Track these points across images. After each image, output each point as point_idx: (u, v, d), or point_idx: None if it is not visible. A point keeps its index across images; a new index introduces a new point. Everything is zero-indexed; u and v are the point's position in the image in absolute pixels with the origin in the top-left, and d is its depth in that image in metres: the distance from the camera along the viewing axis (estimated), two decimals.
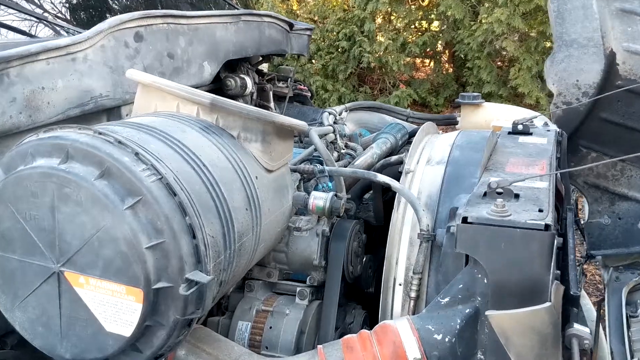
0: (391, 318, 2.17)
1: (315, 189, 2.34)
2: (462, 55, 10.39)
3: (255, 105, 3.91)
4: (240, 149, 1.90)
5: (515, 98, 9.74)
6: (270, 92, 3.99)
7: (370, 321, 2.46)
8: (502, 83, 9.72)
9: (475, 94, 3.41)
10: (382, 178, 2.20)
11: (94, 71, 2.17)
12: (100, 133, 1.56)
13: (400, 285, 2.17)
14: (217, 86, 3.42)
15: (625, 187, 3.73)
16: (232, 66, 3.43)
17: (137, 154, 1.53)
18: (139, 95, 2.04)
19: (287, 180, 2.13)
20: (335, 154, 2.78)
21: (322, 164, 2.46)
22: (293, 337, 2.12)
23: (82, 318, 1.54)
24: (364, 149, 3.08)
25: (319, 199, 2.15)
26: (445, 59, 11.23)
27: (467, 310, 1.87)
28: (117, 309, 1.51)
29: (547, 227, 1.74)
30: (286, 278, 2.36)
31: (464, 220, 1.84)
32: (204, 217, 1.58)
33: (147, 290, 1.48)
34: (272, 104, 4.02)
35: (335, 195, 2.19)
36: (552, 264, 1.78)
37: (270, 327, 2.15)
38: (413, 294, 2.09)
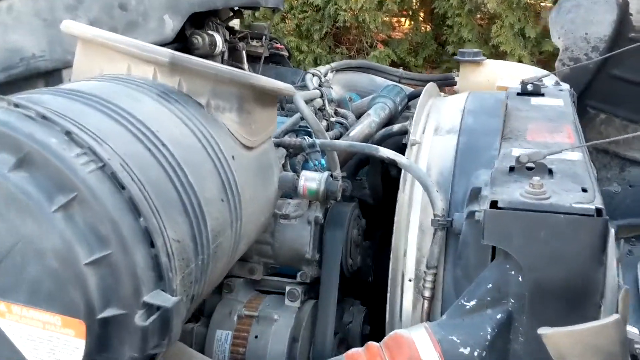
0: (400, 320, 1.81)
1: (305, 166, 1.94)
2: (441, 13, 9.95)
3: None
4: (211, 121, 1.49)
5: (497, 57, 9.40)
6: (244, 52, 3.55)
7: (370, 317, 2.10)
8: (484, 41, 9.34)
9: (476, 50, 3.02)
10: (385, 152, 1.81)
11: (22, 25, 1.73)
12: (16, 105, 1.13)
13: (410, 281, 1.80)
14: (181, 45, 2.97)
15: (637, 152, 3.40)
16: (198, 22, 2.97)
17: (68, 132, 1.11)
18: (79, 54, 1.60)
19: (271, 158, 1.72)
20: (324, 123, 2.37)
21: (310, 136, 2.06)
22: (284, 348, 1.75)
23: (4, 358, 1.14)
24: (357, 117, 2.68)
25: (311, 180, 1.75)
26: (423, 17, 10.78)
27: (499, 316, 1.52)
28: (52, 346, 1.11)
29: (599, 211, 1.40)
30: (272, 273, 1.97)
31: (493, 204, 1.48)
32: (165, 215, 1.18)
33: (91, 321, 1.08)
34: (245, 66, 3.58)
35: (330, 174, 1.80)
36: (607, 258, 1.43)
37: (256, 337, 1.77)
38: (427, 293, 1.72)
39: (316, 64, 9.55)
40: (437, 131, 2.03)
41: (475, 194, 1.68)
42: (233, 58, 3.54)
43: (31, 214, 1.05)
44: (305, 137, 1.92)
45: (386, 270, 2.38)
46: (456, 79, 3.10)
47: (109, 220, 1.07)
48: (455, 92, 2.96)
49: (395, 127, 2.10)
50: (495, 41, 8.92)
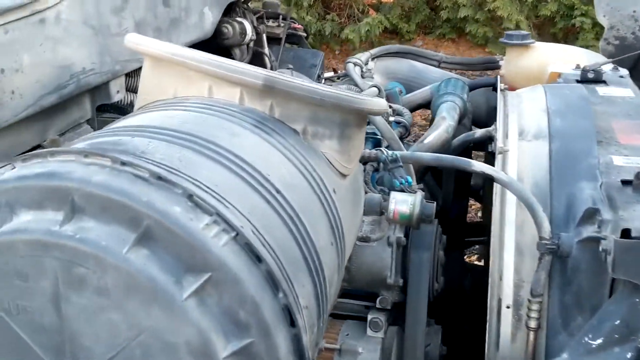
0: (497, 350, 1.66)
1: (387, 183, 1.75)
2: None
3: (251, 55, 3.24)
4: (311, 152, 1.30)
5: (493, 22, 9.20)
6: (264, 35, 3.32)
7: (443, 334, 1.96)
8: (479, 6, 9.13)
9: (524, 32, 2.83)
10: (480, 167, 1.64)
11: (72, 36, 1.50)
12: (123, 163, 0.93)
13: (508, 308, 1.65)
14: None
15: None
16: (226, 9, 2.72)
17: (190, 196, 0.91)
18: (148, 72, 1.39)
19: (360, 182, 1.54)
20: None
21: (378, 145, 1.88)
22: None
23: None
24: (410, 110, 2.50)
25: (402, 203, 1.57)
26: None
27: (628, 355, 1.38)
28: None
29: None
30: (343, 294, 1.81)
31: (626, 233, 1.32)
32: (295, 283, 1.00)
33: None
34: (267, 50, 3.35)
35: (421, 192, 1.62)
36: None
37: None
38: (533, 324, 1.57)
39: (306, 32, 9.25)
40: (522, 136, 1.86)
41: (590, 215, 1.52)
42: (254, 42, 3.30)
43: (157, 302, 0.86)
44: (382, 149, 1.73)
45: (453, 283, 2.24)
46: (500, 62, 2.91)
47: (249, 302, 0.89)
48: (499, 76, 2.78)
49: (478, 132, 1.92)
50: (491, 6, 8.70)
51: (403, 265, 1.72)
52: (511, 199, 1.68)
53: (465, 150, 2.03)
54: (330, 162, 1.34)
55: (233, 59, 2.87)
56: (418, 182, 2.04)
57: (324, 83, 3.19)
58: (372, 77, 2.74)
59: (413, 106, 2.49)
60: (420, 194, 1.60)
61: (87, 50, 1.54)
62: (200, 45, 2.78)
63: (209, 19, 2.17)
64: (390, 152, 1.73)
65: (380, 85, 2.20)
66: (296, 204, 1.11)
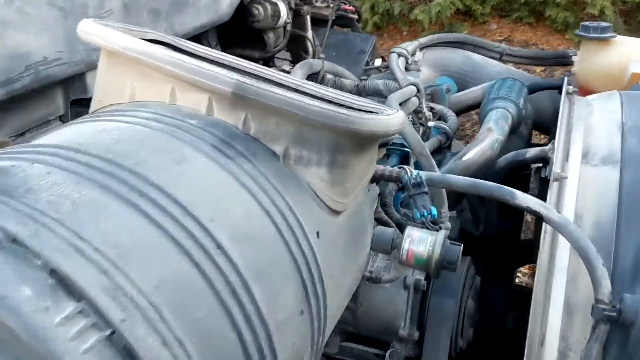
0: None
1: (407, 213, 1.43)
2: None
3: (288, 38, 2.93)
4: (290, 182, 1.00)
5: (575, 6, 8.50)
6: (307, 17, 3.00)
7: None
8: None
9: (604, 23, 2.39)
10: (526, 201, 1.28)
11: (29, 19, 1.24)
12: None
13: None
14: (237, 15, 2.45)
15: None
16: None
17: (53, 271, 0.63)
18: (104, 67, 1.12)
19: (365, 215, 1.23)
20: (420, 130, 1.84)
21: (405, 161, 1.55)
22: None
23: None
24: (456, 113, 2.14)
25: (419, 243, 1.25)
26: None
27: None
28: None
29: None
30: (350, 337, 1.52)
31: None
32: None
33: None
34: (309, 33, 3.04)
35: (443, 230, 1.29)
36: None
37: None
38: None
39: (358, 14, 8.78)
40: (587, 158, 1.48)
41: None
42: (295, 24, 3.00)
43: None
44: (407, 168, 1.40)
45: (493, 320, 1.90)
46: (574, 58, 2.49)
47: None
48: (566, 76, 2.37)
49: (530, 152, 1.56)
50: None
51: (420, 315, 1.40)
52: (564, 241, 1.33)
53: (518, 168, 1.66)
54: (317, 196, 1.03)
55: (266, 43, 2.59)
56: (456, 203, 1.71)
57: (367, 73, 2.86)
58: (419, 70, 2.39)
59: (461, 108, 2.13)
60: (443, 234, 1.26)
61: (51, 36, 1.28)
62: (227, 28, 2.50)
63: None
64: (415, 173, 1.40)
65: (420, 82, 1.85)
66: (246, 264, 0.81)
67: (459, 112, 2.15)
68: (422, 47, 2.44)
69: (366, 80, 2.10)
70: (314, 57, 3.11)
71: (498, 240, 2.03)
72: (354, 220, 1.16)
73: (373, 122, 0.98)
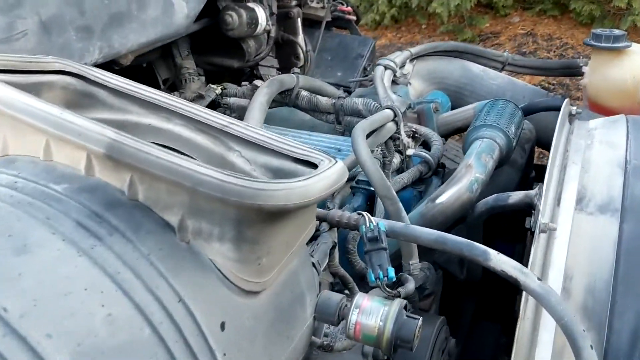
0: None
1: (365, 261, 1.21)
2: None
3: (277, 41, 2.73)
4: (187, 263, 0.79)
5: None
6: (299, 20, 2.79)
7: None
8: None
9: (618, 32, 2.14)
10: (500, 263, 1.06)
11: None
12: None
13: None
14: (211, 22, 2.25)
15: None
16: None
17: None
18: None
19: (302, 283, 1.02)
20: (396, 160, 1.62)
21: (370, 210, 1.35)
22: None
23: None
24: (445, 135, 1.91)
25: (369, 315, 1.03)
26: None
27: None
28: None
29: None
30: None
31: None
32: None
33: None
34: (300, 37, 2.83)
35: (405, 303, 1.07)
36: None
37: None
38: None
39: (357, 16, 8.45)
40: (582, 204, 1.25)
41: None
42: (285, 28, 2.79)
43: None
44: (366, 215, 1.19)
45: None
46: (584, 68, 2.24)
47: None
48: (580, 87, 2.12)
49: (513, 197, 1.32)
50: None
51: None
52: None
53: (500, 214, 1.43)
54: (224, 276, 0.83)
55: (245, 52, 2.38)
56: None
57: (354, 85, 2.64)
58: (409, 84, 2.16)
59: (450, 130, 1.90)
60: (398, 304, 1.04)
61: None
62: (203, 36, 2.31)
63: (181, 9, 1.67)
64: (374, 223, 1.19)
65: (397, 106, 1.63)
66: None
67: (447, 135, 1.92)
68: (414, 58, 2.21)
69: (344, 98, 1.88)
70: (305, 63, 2.91)
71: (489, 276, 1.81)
72: (282, 295, 0.95)
73: (281, 195, 0.77)
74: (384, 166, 1.47)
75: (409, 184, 1.59)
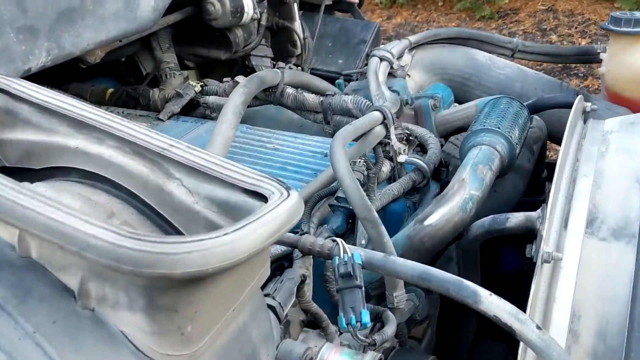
0: None
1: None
2: None
3: (272, 28, 2.55)
4: (89, 336, 0.64)
5: None
6: (295, 5, 2.62)
7: None
8: None
9: (639, 14, 1.92)
10: (493, 307, 0.90)
11: None
12: None
13: None
14: (194, 11, 2.08)
15: None
16: None
17: None
18: None
19: (254, 337, 0.86)
20: (385, 168, 1.45)
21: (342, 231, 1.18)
22: None
23: None
24: (444, 135, 1.74)
25: None
26: None
27: None
28: None
29: None
30: None
31: None
32: None
33: None
34: (296, 24, 2.65)
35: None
36: None
37: None
38: None
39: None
40: (592, 227, 1.07)
41: None
42: (281, 14, 2.62)
43: None
44: (340, 243, 1.03)
45: None
46: (602, 55, 2.03)
47: None
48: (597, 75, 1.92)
49: (512, 219, 1.13)
50: None
51: None
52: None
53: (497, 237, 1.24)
54: (138, 349, 0.67)
55: (232, 42, 2.21)
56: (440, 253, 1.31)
57: (356, 74, 2.45)
58: (408, 76, 1.98)
59: (450, 130, 1.72)
60: (371, 357, 0.89)
61: None
62: (187, 27, 2.14)
63: (147, 2, 1.50)
64: (349, 254, 1.02)
65: (388, 107, 1.45)
66: None
67: (447, 135, 1.74)
68: (413, 47, 2.02)
69: (332, 96, 1.71)
70: (303, 50, 2.73)
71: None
72: (228, 356, 0.79)
73: (194, 259, 0.60)
74: (368, 179, 1.30)
75: (400, 195, 1.42)
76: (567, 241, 1.07)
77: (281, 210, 0.75)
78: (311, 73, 2.82)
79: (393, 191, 1.40)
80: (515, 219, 1.12)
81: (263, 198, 0.83)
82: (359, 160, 1.31)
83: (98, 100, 2.01)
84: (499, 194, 1.42)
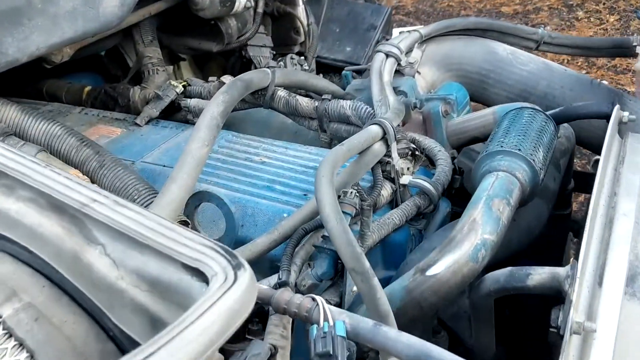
0: None
1: None
2: None
3: (273, 14, 2.34)
4: None
5: None
6: None
7: None
8: None
9: None
10: None
11: None
12: None
13: None
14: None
15: None
16: None
17: None
18: None
19: None
20: (386, 192, 1.24)
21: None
22: None
23: None
24: (456, 146, 1.52)
25: None
26: None
27: None
28: None
29: None
30: None
31: None
32: None
33: None
34: (299, 9, 2.43)
35: None
36: None
37: None
38: None
39: None
40: (634, 285, 0.86)
41: None
42: None
43: None
44: (320, 304, 0.84)
45: None
46: (639, 48, 1.79)
47: None
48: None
49: (535, 274, 0.91)
50: None
51: None
52: None
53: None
54: None
55: (224, 33, 2.00)
56: None
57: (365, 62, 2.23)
58: (417, 73, 1.76)
59: (463, 140, 1.50)
60: None
61: None
62: (176, 16, 1.93)
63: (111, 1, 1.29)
64: (332, 319, 0.83)
65: (389, 121, 1.24)
66: None
67: (460, 146, 1.52)
68: (424, 40, 1.79)
69: (329, 100, 1.49)
70: (307, 38, 2.51)
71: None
72: None
73: None
74: (362, 212, 1.09)
75: (402, 225, 1.22)
76: (601, 304, 0.86)
77: (220, 310, 0.56)
78: (316, 62, 2.62)
79: (394, 220, 1.20)
80: (538, 276, 0.91)
81: (204, 277, 0.65)
82: (351, 190, 1.10)
83: (74, 100, 1.81)
84: (519, 223, 1.21)
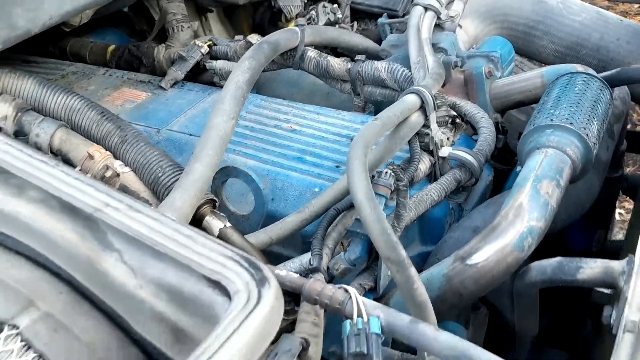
0: None
1: None
2: None
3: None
4: None
5: None
6: None
7: None
8: None
9: None
10: None
11: None
12: None
13: None
14: None
15: None
16: None
17: None
18: None
19: None
20: (424, 165, 1.16)
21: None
22: None
23: None
24: (500, 110, 1.42)
25: None
26: None
27: None
28: None
29: None
30: None
31: None
32: None
33: None
34: None
35: None
36: None
37: None
38: None
39: None
40: None
41: None
42: None
43: None
44: (353, 295, 0.78)
45: None
46: None
47: None
48: None
49: (586, 269, 0.80)
50: None
51: None
52: None
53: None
54: None
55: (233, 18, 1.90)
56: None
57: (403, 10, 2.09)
58: (459, 27, 1.63)
59: (507, 104, 1.39)
60: None
61: None
62: None
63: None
64: (366, 315, 0.77)
65: (428, 88, 1.14)
66: None
67: (504, 110, 1.41)
68: None
69: (363, 62, 1.40)
70: None
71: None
72: None
73: None
74: (398, 193, 1.02)
75: (440, 200, 1.15)
76: None
77: (243, 338, 0.51)
78: (351, 8, 2.48)
79: (432, 196, 1.12)
80: (590, 269, 0.83)
81: (226, 291, 0.60)
82: (386, 170, 1.03)
83: (98, 60, 1.75)
84: (568, 199, 1.12)
